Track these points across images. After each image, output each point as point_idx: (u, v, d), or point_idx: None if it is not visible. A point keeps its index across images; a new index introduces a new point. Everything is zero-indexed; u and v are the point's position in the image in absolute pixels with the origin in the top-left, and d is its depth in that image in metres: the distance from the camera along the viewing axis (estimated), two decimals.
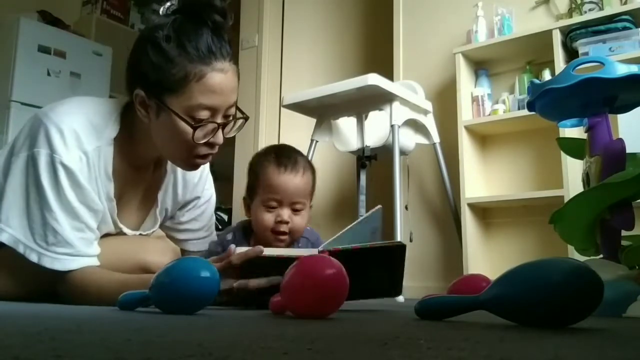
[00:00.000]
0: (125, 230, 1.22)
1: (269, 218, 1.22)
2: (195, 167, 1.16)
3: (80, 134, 1.07)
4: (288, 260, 0.90)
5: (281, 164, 1.23)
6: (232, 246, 1.00)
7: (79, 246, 1.05)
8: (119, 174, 1.15)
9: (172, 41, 1.04)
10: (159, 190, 1.27)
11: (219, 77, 1.05)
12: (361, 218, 1.12)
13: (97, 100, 1.18)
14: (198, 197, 1.35)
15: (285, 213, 1.22)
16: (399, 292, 1.06)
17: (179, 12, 1.08)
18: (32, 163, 1.05)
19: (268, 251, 0.97)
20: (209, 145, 1.11)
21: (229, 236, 1.27)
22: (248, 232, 1.28)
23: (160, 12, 1.11)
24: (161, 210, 1.29)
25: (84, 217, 1.07)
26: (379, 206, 1.12)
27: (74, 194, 1.05)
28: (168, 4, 1.10)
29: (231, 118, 1.12)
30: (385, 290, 1.04)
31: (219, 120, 1.09)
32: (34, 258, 1.03)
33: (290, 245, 1.26)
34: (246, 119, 1.17)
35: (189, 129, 1.06)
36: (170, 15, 1.09)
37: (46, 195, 1.03)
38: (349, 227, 1.06)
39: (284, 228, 1.22)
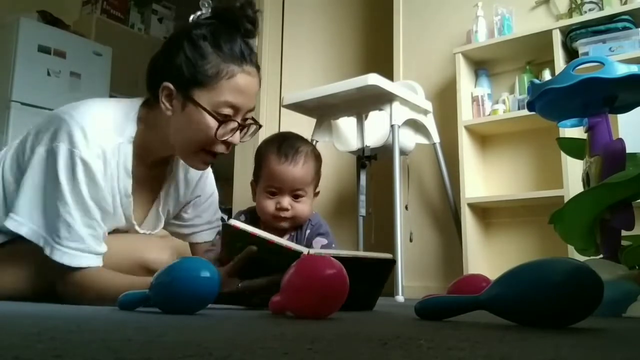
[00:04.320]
0: (136, 227, 1.24)
1: (269, 204, 1.26)
2: (206, 164, 1.20)
3: (101, 131, 1.10)
4: (283, 257, 0.91)
5: (282, 154, 1.27)
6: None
7: (89, 242, 1.07)
8: (135, 171, 1.17)
9: (208, 40, 1.11)
10: (161, 189, 1.29)
11: (247, 79, 1.13)
12: (367, 254, 1.08)
13: (115, 100, 1.22)
14: (199, 196, 1.37)
15: (285, 200, 1.25)
16: (371, 307, 1.06)
17: (214, 18, 1.15)
18: (51, 157, 1.07)
19: (265, 235, 0.96)
20: (226, 144, 1.15)
21: (242, 217, 1.32)
22: (255, 217, 1.31)
23: (191, 20, 1.16)
24: (164, 209, 1.31)
25: (95, 214, 1.09)
26: (390, 257, 1.03)
27: (87, 190, 1.07)
28: (199, 12, 1.16)
29: (247, 122, 1.18)
30: (359, 305, 1.00)
31: (239, 120, 1.14)
32: (47, 251, 1.05)
33: (295, 230, 1.29)
34: (260, 126, 1.22)
35: (214, 124, 1.10)
36: (207, 19, 1.15)
37: (62, 188, 1.05)
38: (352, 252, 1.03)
39: (284, 214, 1.26)
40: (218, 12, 1.16)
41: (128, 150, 1.15)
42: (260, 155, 1.31)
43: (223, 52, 1.10)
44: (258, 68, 1.17)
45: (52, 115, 1.14)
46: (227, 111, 1.11)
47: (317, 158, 1.33)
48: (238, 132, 1.16)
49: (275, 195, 1.27)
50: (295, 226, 1.30)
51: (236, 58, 1.11)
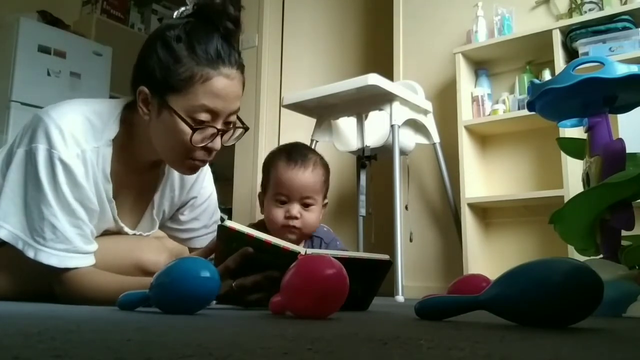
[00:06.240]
0: (126, 229, 1.22)
1: (279, 213, 1.24)
2: (192, 170, 1.15)
3: (79, 133, 1.07)
4: (280, 257, 0.91)
5: (291, 160, 1.25)
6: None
7: (76, 242, 1.05)
8: (116, 175, 1.14)
9: (183, 42, 1.05)
10: (155, 192, 1.26)
11: (225, 82, 1.06)
12: (365, 254, 1.07)
13: (98, 101, 1.18)
14: (195, 197, 1.34)
15: (295, 208, 1.23)
16: (365, 308, 1.05)
17: (193, 16, 1.09)
18: (30, 158, 1.05)
19: (262, 235, 0.95)
20: (206, 150, 1.10)
21: None
22: (263, 231, 1.29)
23: (174, 16, 1.12)
24: (158, 212, 1.28)
25: (80, 215, 1.06)
26: (387, 258, 1.02)
27: (70, 191, 1.05)
28: (182, 8, 1.11)
29: (231, 126, 1.12)
30: (353, 305, 0.98)
31: (219, 126, 1.08)
32: (30, 254, 1.02)
33: (302, 242, 1.27)
34: (246, 129, 1.16)
35: (188, 130, 1.05)
36: (184, 18, 1.10)
37: (44, 190, 1.03)
38: (348, 252, 1.04)
39: (293, 223, 1.24)
40: (198, 8, 1.09)
41: (107, 154, 1.11)
42: (269, 164, 1.28)
43: (197, 54, 1.04)
44: (241, 68, 1.10)
45: (34, 115, 1.11)
46: (204, 117, 1.05)
47: (326, 167, 1.31)
48: (219, 137, 1.09)
49: (284, 203, 1.24)
50: (303, 238, 1.28)
51: (212, 60, 1.04)
